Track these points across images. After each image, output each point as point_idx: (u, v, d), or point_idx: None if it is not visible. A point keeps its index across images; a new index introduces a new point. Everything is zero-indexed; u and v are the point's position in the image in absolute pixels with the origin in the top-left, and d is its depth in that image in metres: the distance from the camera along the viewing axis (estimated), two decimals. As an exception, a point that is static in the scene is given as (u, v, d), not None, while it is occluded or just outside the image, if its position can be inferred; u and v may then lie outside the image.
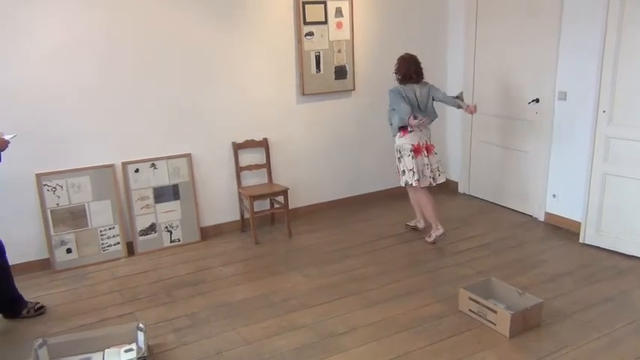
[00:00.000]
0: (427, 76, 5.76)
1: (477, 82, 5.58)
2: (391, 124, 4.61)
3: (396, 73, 4.56)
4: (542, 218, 5.06)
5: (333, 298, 3.76)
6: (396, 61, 4.57)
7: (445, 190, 6.06)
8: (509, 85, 5.21)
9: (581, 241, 4.54)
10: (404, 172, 4.56)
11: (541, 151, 4.95)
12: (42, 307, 3.68)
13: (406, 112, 4.36)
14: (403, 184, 4.64)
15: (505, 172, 5.43)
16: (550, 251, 4.45)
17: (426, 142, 4.55)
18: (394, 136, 4.59)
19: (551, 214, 4.98)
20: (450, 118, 5.97)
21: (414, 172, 4.48)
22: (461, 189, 5.99)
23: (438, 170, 4.62)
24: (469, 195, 5.90)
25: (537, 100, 4.91)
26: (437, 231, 4.61)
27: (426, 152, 4.53)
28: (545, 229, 4.91)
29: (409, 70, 4.48)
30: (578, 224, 4.59)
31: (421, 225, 4.95)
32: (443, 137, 6.07)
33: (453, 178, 6.11)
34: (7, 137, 3.52)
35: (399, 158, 4.58)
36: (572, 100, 4.61)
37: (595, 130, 4.30)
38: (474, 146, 5.77)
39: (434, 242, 4.63)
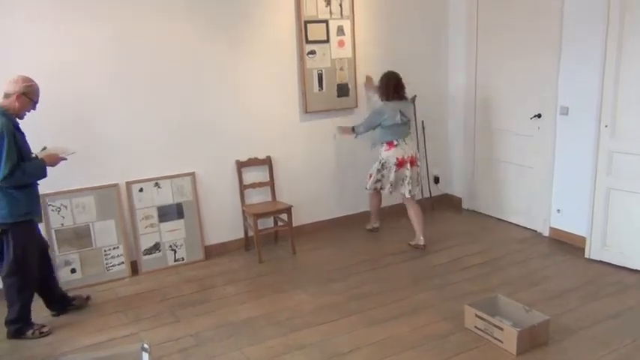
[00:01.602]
0: (429, 91, 5.81)
1: (478, 98, 5.60)
2: (359, 132, 4.98)
3: (378, 89, 4.90)
4: (546, 233, 5.04)
5: (337, 316, 3.74)
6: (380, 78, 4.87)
7: (449, 206, 6.06)
8: (511, 101, 5.23)
9: (586, 256, 4.52)
10: (378, 180, 4.90)
11: (544, 166, 4.96)
12: (48, 331, 3.65)
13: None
14: (369, 188, 5.00)
15: (509, 188, 5.43)
16: (555, 267, 4.42)
17: (412, 155, 4.82)
18: (374, 147, 4.96)
19: (556, 229, 4.96)
20: (453, 135, 6.00)
21: (391, 185, 4.81)
22: (465, 205, 5.98)
23: (417, 181, 4.90)
24: (473, 211, 5.89)
25: (539, 116, 4.93)
26: (419, 241, 4.91)
27: (409, 165, 4.78)
28: (550, 244, 4.89)
29: (388, 86, 4.77)
30: (584, 239, 4.57)
31: (377, 225, 5.35)
32: (446, 153, 6.08)
33: (457, 194, 6.11)
34: (65, 154, 3.61)
35: (379, 169, 4.88)
36: (574, 114, 4.62)
37: (598, 144, 4.31)
38: (477, 162, 5.77)
39: (417, 248, 4.90)
